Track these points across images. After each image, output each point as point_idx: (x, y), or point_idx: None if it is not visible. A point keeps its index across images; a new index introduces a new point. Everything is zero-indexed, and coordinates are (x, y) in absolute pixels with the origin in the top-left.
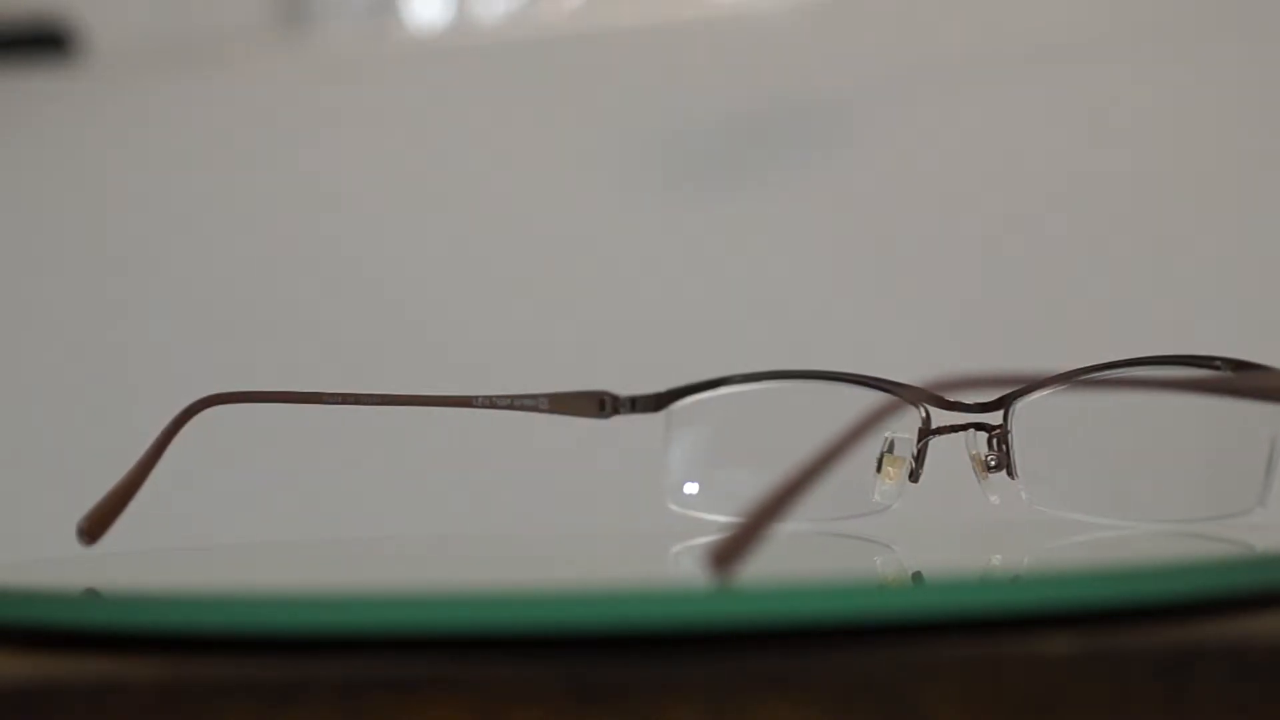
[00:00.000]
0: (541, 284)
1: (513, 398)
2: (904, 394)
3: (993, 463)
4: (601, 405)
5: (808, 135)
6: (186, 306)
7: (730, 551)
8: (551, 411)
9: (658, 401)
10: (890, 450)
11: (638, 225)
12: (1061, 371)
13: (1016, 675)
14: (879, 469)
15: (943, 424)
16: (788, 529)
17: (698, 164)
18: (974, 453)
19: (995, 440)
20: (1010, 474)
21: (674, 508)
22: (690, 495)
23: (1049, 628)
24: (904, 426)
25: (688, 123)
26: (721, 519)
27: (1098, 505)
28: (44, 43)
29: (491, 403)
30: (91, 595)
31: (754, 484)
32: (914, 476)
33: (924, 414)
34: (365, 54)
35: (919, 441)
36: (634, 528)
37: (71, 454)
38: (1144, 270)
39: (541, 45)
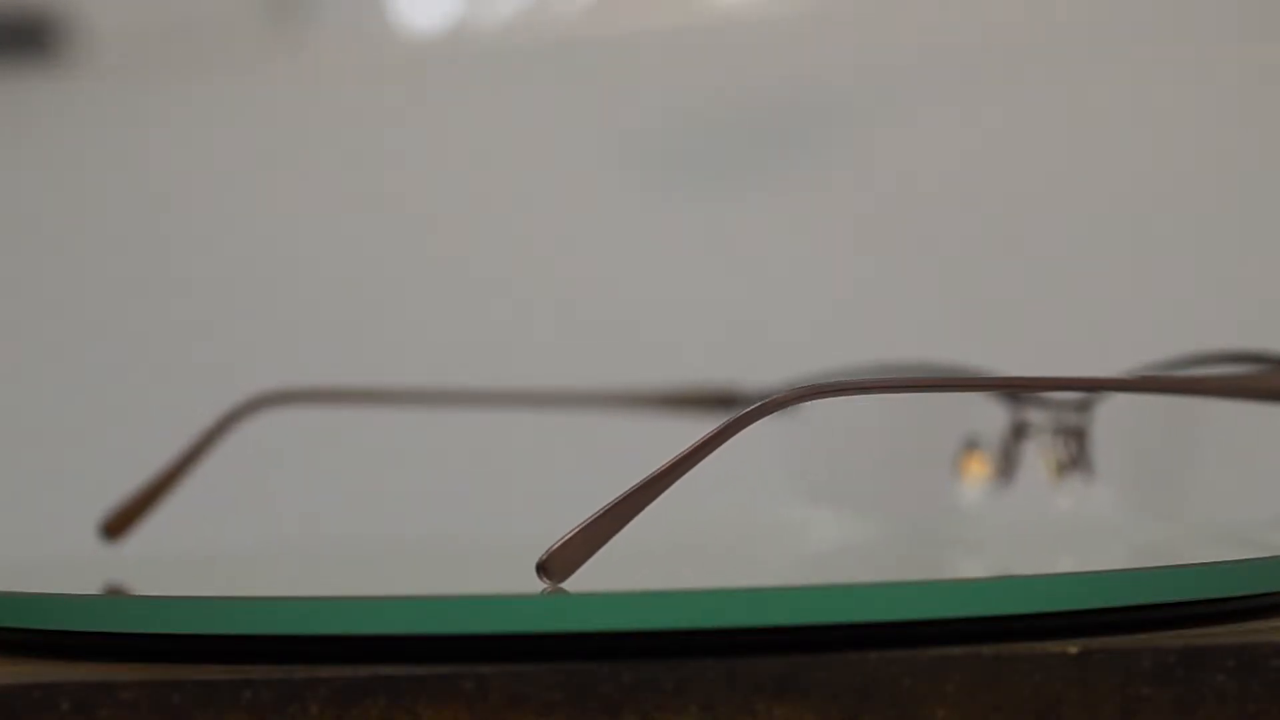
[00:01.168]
0: (542, 285)
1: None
2: (994, 388)
3: (1068, 463)
4: (723, 403)
5: (809, 136)
6: (183, 307)
7: (564, 561)
8: (664, 410)
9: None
10: (975, 447)
11: (638, 226)
12: (1138, 373)
13: (1019, 677)
14: (962, 468)
15: (1029, 421)
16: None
17: (698, 165)
18: (1052, 453)
19: (1074, 441)
20: (1087, 475)
21: (792, 506)
22: (815, 494)
23: (1052, 629)
24: (986, 422)
25: (688, 124)
26: (835, 518)
27: (1169, 507)
28: (25, 39)
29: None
30: (82, 598)
31: (880, 483)
32: (1005, 475)
33: (1015, 410)
34: (365, 54)
35: (1015, 439)
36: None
37: (71, 455)
38: (1148, 270)
39: (542, 47)
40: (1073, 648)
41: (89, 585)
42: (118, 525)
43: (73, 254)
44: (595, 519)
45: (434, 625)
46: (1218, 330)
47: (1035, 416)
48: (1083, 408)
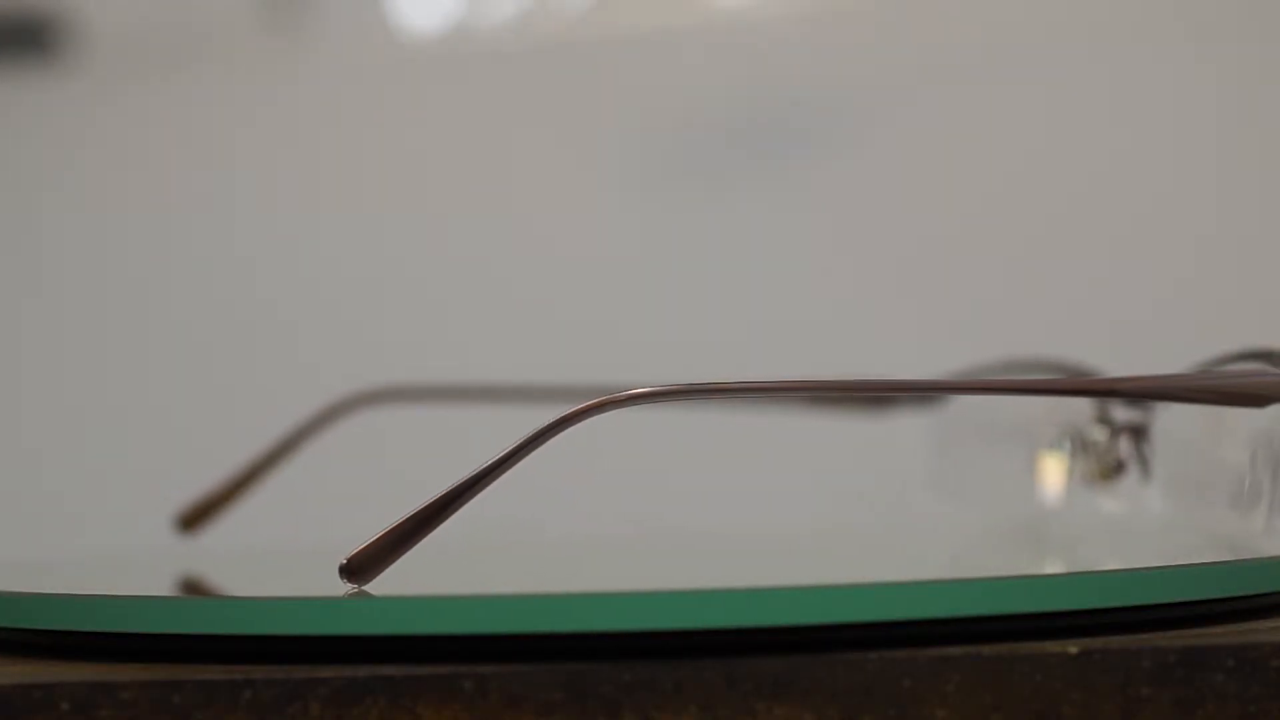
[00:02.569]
0: (542, 285)
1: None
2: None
3: (1119, 464)
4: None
5: (809, 136)
6: (181, 309)
7: (367, 563)
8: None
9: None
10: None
11: (638, 226)
12: (1189, 372)
13: (1019, 677)
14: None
15: (1110, 420)
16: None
17: (698, 166)
18: (1103, 453)
19: (1132, 440)
20: (1145, 475)
21: (929, 500)
22: (950, 488)
23: (1053, 629)
24: (1071, 420)
25: (688, 125)
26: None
27: (1215, 509)
28: (25, 39)
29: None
30: (83, 598)
31: (1009, 478)
32: (1112, 473)
33: (1101, 410)
34: (363, 54)
35: (1114, 436)
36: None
37: (71, 456)
38: (1149, 268)
39: (542, 48)
40: (1073, 648)
41: (158, 578)
42: (194, 518)
43: (73, 254)
44: (402, 522)
45: (434, 625)
46: (1218, 330)
47: (1120, 415)
48: (1137, 408)
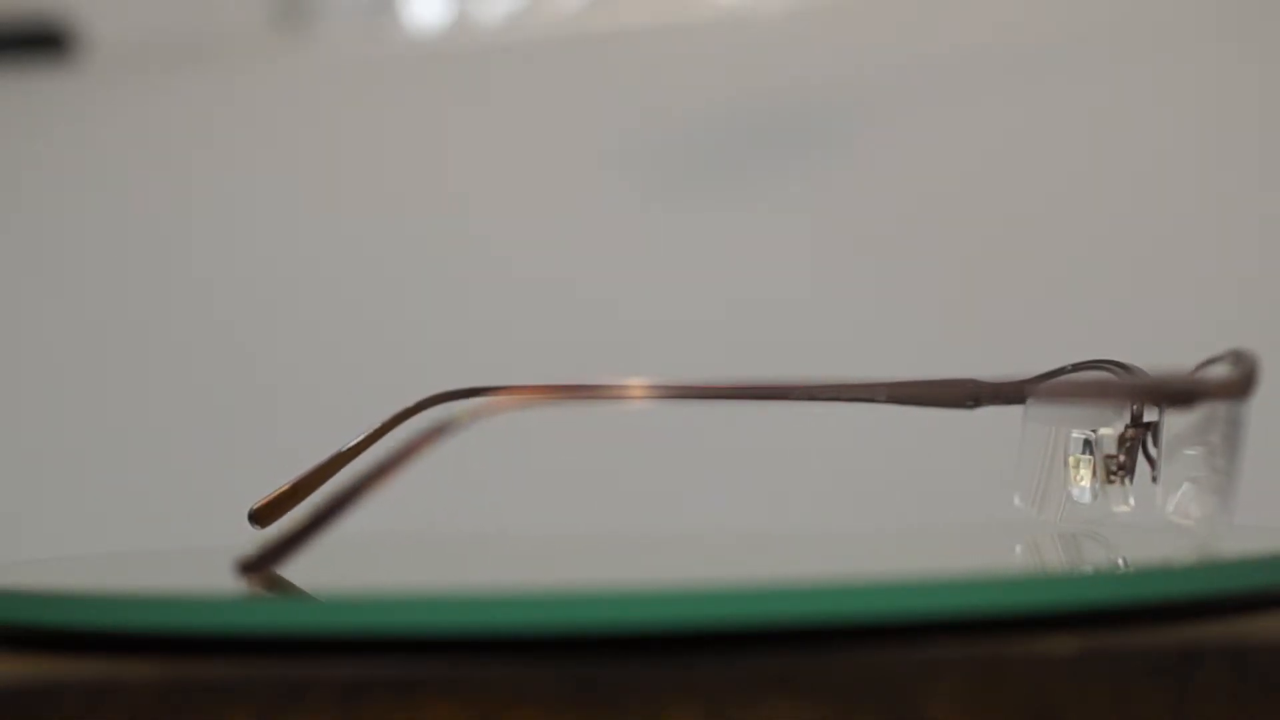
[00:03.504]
0: (542, 285)
1: (839, 386)
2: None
3: (1122, 466)
4: (971, 397)
5: (808, 136)
6: (181, 310)
7: (263, 560)
8: (907, 403)
9: (1020, 390)
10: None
11: (638, 226)
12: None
13: (1018, 676)
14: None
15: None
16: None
17: (698, 166)
18: (1111, 454)
19: (1144, 442)
20: (1153, 478)
21: (1020, 504)
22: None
23: (1051, 628)
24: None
25: (688, 125)
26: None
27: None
28: (41, 42)
29: (812, 394)
30: (87, 596)
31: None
32: (1119, 477)
33: (1137, 411)
34: (366, 54)
35: (1122, 439)
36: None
37: (70, 456)
38: (1147, 271)
39: (542, 46)
40: (1071, 647)
41: (89, 585)
42: (266, 513)
43: (83, 252)
44: (296, 524)
45: (435, 624)
46: (1218, 330)
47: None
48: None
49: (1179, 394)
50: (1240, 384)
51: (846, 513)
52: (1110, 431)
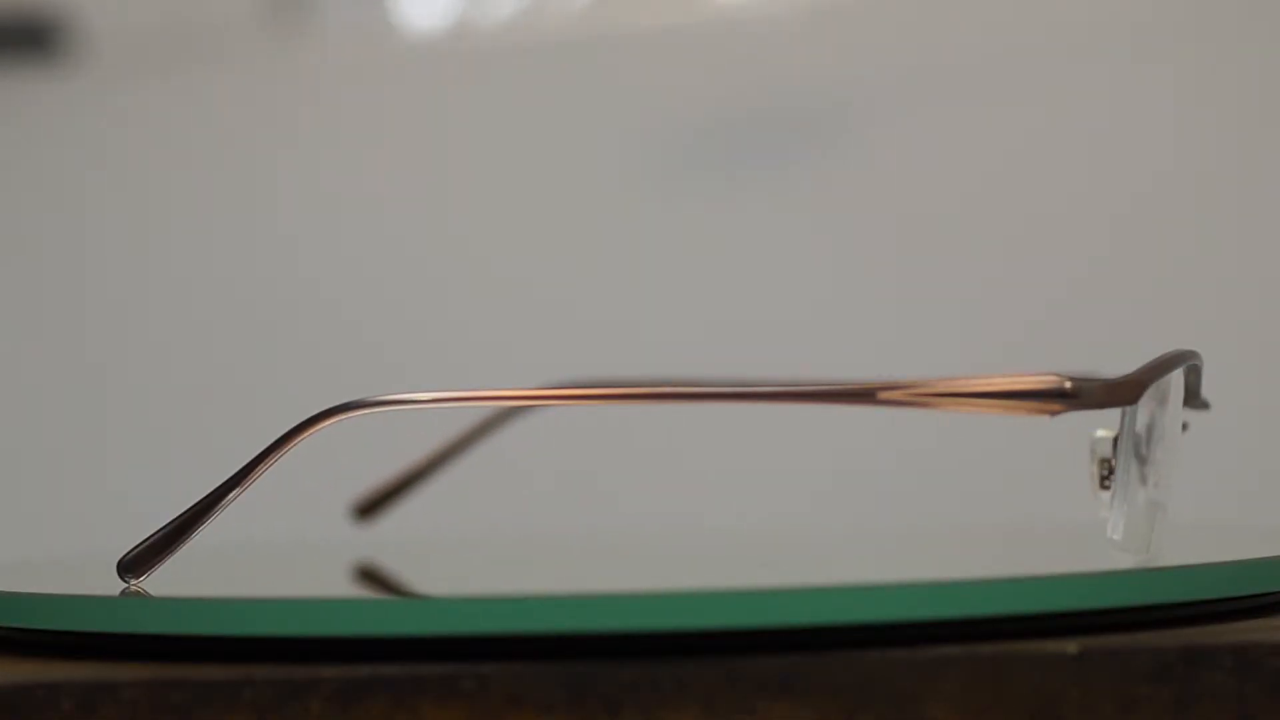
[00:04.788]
0: (542, 286)
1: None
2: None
3: (1110, 468)
4: (1061, 395)
5: (809, 136)
6: (180, 310)
7: (141, 562)
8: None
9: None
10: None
11: (638, 225)
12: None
13: (1018, 676)
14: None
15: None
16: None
17: (698, 165)
18: (1104, 458)
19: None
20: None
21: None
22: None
23: (1051, 629)
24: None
25: (688, 124)
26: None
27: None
28: (28, 39)
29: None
30: (85, 599)
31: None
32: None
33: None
34: (366, 52)
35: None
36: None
37: (69, 454)
38: (1151, 272)
39: (543, 47)
40: (1071, 647)
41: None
42: (369, 507)
43: (73, 254)
44: (167, 527)
45: (435, 626)
46: (1217, 330)
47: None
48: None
49: (1043, 396)
50: (1125, 390)
51: (844, 512)
52: (1105, 434)
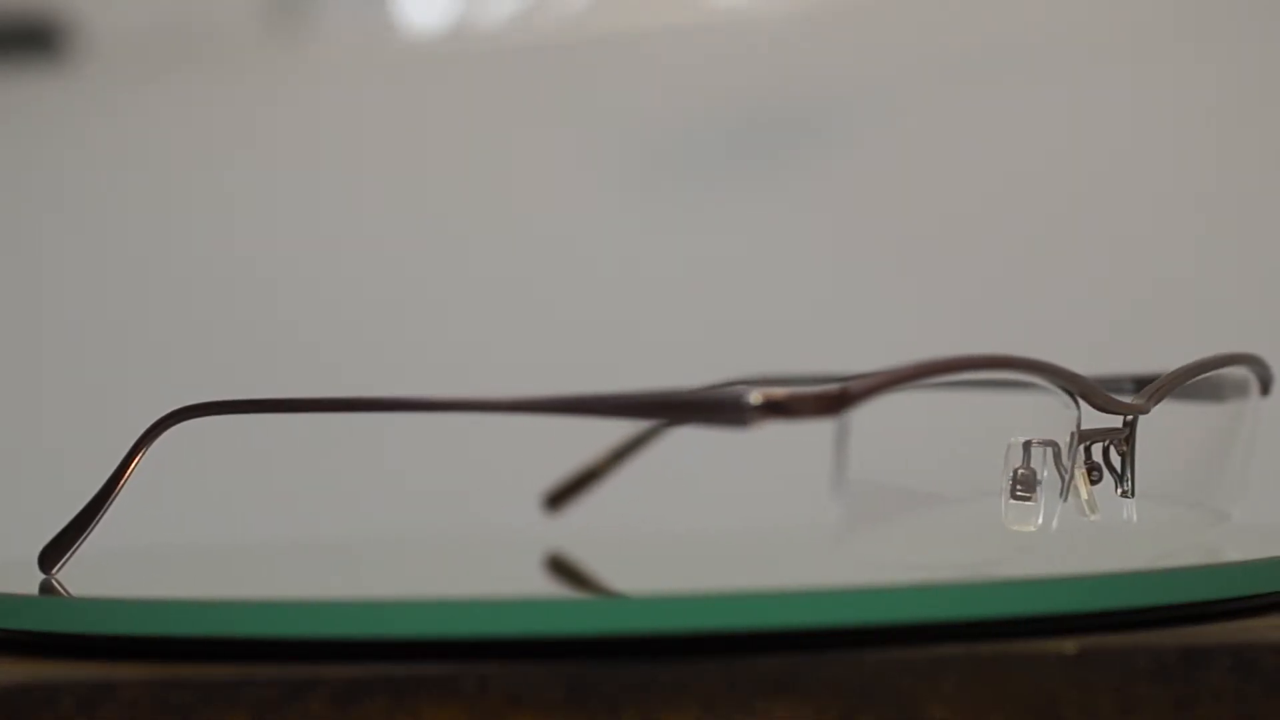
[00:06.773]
0: (542, 287)
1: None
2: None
3: (1097, 476)
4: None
5: (808, 136)
6: (180, 311)
7: (56, 554)
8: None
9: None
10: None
11: (639, 227)
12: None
13: (1019, 676)
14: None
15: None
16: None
17: (698, 165)
18: (1086, 462)
19: (1117, 449)
20: (1127, 490)
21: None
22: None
23: (1051, 629)
24: (1051, 429)
25: (688, 125)
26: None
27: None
28: (30, 40)
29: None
30: (85, 600)
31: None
32: (1064, 493)
33: (1078, 414)
34: (365, 53)
35: (1081, 445)
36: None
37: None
38: (1149, 269)
39: (542, 47)
40: (1071, 647)
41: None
42: (559, 498)
43: (73, 254)
44: (77, 517)
45: (436, 627)
46: (1218, 331)
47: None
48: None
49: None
50: (817, 402)
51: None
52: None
